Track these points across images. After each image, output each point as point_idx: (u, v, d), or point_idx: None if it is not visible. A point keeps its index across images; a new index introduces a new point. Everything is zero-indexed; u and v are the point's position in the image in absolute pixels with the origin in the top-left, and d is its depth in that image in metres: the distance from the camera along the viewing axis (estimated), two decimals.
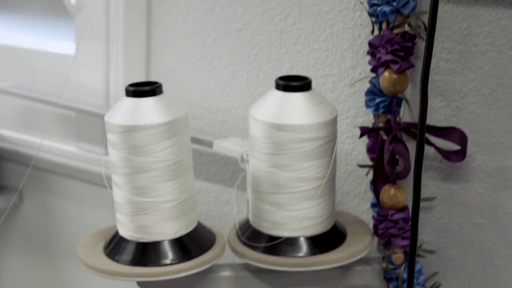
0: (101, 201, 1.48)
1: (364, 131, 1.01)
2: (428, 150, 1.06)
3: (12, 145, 1.56)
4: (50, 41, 1.52)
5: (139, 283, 1.02)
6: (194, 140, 1.19)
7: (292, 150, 0.97)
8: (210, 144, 1.18)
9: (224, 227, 1.29)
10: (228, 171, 1.29)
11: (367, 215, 1.17)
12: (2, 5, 1.51)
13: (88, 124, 1.41)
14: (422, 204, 1.10)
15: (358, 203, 1.18)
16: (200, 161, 1.31)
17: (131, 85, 0.98)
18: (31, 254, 1.66)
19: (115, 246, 1.02)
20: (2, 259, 1.72)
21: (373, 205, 1.09)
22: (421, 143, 0.93)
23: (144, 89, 0.97)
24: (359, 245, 1.02)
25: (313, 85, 1.14)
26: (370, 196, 1.16)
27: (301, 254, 1.00)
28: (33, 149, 1.51)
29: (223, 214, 1.32)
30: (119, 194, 0.99)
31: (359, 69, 1.12)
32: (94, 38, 1.34)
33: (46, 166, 1.51)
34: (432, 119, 1.07)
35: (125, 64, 1.32)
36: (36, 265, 1.66)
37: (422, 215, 1.11)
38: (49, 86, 1.46)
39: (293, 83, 0.98)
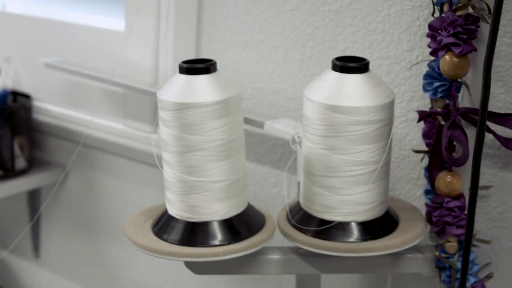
0: (146, 179, 1.47)
1: (422, 115, 0.98)
2: (486, 137, 1.02)
3: (58, 121, 1.55)
4: (100, 16, 1.51)
5: (186, 263, 1.01)
6: (245, 120, 1.17)
7: (347, 133, 0.94)
8: (261, 125, 1.16)
9: (271, 209, 1.28)
10: (277, 153, 1.27)
11: (419, 202, 1.14)
12: None
13: (136, 102, 1.40)
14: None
15: (410, 189, 1.15)
16: (249, 142, 1.30)
17: (184, 62, 0.97)
18: (74, 229, 1.66)
19: (163, 224, 1.00)
20: (45, 234, 1.73)
21: (427, 192, 1.06)
22: (482, 130, 0.90)
23: (198, 67, 0.95)
24: (412, 233, 1.00)
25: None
26: (423, 182, 1.13)
27: (352, 240, 0.98)
28: (80, 125, 1.51)
29: (271, 196, 1.31)
30: (170, 173, 0.98)
31: (416, 52, 1.09)
32: (144, 15, 1.32)
33: (92, 142, 1.51)
34: (491, 106, 1.03)
35: (175, 42, 1.30)
36: (79, 241, 1.66)
37: (476, 204, 1.08)
38: (97, 62, 1.45)
39: (350, 64, 0.95)
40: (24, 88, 1.61)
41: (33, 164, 1.59)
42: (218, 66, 1.28)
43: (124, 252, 1.55)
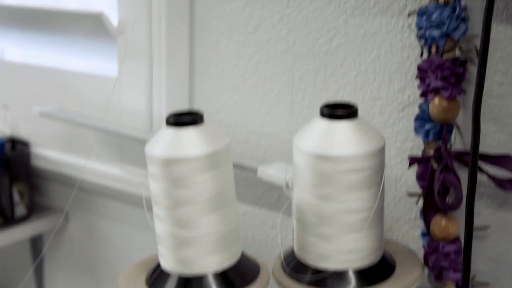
0: (146, 224, 1.45)
1: (413, 161, 0.96)
2: (481, 176, 1.01)
3: (57, 166, 1.55)
4: (93, 62, 1.52)
5: None
6: (238, 166, 1.17)
7: (338, 182, 0.93)
8: (254, 171, 1.15)
9: (270, 252, 1.27)
10: (274, 195, 1.26)
11: (418, 243, 1.13)
12: (44, 27, 1.50)
13: (132, 146, 1.39)
14: (475, 233, 1.05)
15: (408, 230, 1.14)
16: (245, 184, 1.29)
17: (172, 114, 0.96)
18: (76, 275, 1.66)
19: (156, 279, 0.99)
20: (49, 280, 1.72)
21: (423, 234, 1.05)
22: (474, 175, 0.88)
23: (184, 120, 0.94)
24: (409, 278, 0.98)
25: (361, 108, 1.11)
26: (420, 223, 1.12)
27: None
28: (78, 170, 1.50)
29: (269, 239, 1.29)
30: (161, 227, 0.97)
31: (408, 91, 1.08)
32: (136, 59, 1.32)
33: (91, 187, 1.50)
34: (485, 145, 1.02)
35: (168, 87, 1.30)
36: (81, 285, 1.66)
37: (475, 244, 1.06)
38: (92, 108, 1.45)
39: (339, 111, 0.94)
40: (22, 134, 1.61)
41: (33, 210, 1.59)
42: (212, 110, 1.28)
43: None
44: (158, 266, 1.01)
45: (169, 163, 0.92)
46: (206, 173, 0.93)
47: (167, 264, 0.99)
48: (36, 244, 1.64)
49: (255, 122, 1.24)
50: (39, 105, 1.49)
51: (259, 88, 1.22)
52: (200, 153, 0.92)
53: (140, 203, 1.42)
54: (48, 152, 1.57)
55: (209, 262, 0.96)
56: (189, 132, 0.94)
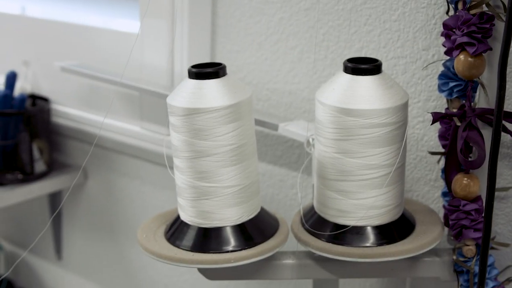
0: (164, 181, 1.46)
1: (437, 117, 0.95)
2: (504, 137, 1.00)
3: (77, 123, 1.55)
4: (115, 19, 1.51)
5: (199, 269, 1.00)
6: (259, 123, 1.16)
7: (360, 136, 0.93)
8: (275, 127, 1.15)
9: (289, 211, 1.27)
10: (294, 154, 1.26)
11: (438, 204, 1.12)
12: None
13: (152, 104, 1.39)
14: (496, 194, 1.05)
15: (429, 190, 1.13)
16: (265, 143, 1.28)
17: (193, 66, 0.95)
18: (94, 232, 1.66)
19: (176, 230, 1.00)
20: (67, 236, 1.73)
21: (444, 194, 1.04)
22: (498, 131, 0.87)
23: (207, 71, 0.94)
24: (429, 236, 0.98)
25: (384, 67, 1.10)
26: (441, 183, 1.11)
27: (367, 244, 0.96)
28: (98, 128, 1.50)
29: (288, 198, 1.29)
30: (181, 178, 0.97)
31: (432, 50, 1.07)
32: (158, 17, 1.31)
33: (110, 145, 1.50)
34: (510, 105, 1.01)
35: (190, 44, 1.29)
36: (99, 243, 1.67)
37: (496, 205, 1.05)
38: (114, 65, 1.45)
39: (362, 66, 0.93)
40: (42, 91, 1.61)
41: (53, 167, 1.59)
42: (233, 67, 1.28)
43: (143, 254, 1.55)
44: (177, 218, 1.01)
45: (191, 113, 0.92)
46: (228, 125, 0.93)
47: (186, 216, 0.99)
48: (55, 201, 1.65)
49: (277, 80, 1.23)
50: (60, 62, 1.48)
51: (282, 45, 1.21)
52: (222, 104, 0.92)
53: (159, 161, 1.43)
54: (68, 110, 1.57)
55: (228, 215, 0.96)
56: (211, 83, 0.93)
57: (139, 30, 1.37)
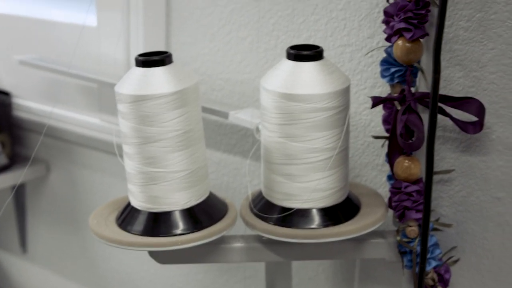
0: (125, 172, 1.48)
1: (376, 101, 0.98)
2: (447, 121, 1.03)
3: (38, 117, 1.57)
4: (73, 12, 1.53)
5: (150, 253, 1.02)
6: (210, 111, 1.19)
7: (302, 120, 0.95)
8: (225, 115, 1.17)
9: (244, 198, 1.29)
10: (248, 142, 1.28)
11: (385, 188, 1.15)
12: None
13: (111, 96, 1.40)
14: (440, 177, 1.08)
15: (376, 175, 1.16)
16: (220, 132, 1.31)
17: (141, 55, 0.98)
18: (58, 224, 1.68)
19: (127, 216, 1.02)
20: (32, 229, 1.74)
21: (389, 178, 1.07)
22: (434, 113, 0.90)
23: (153, 59, 0.96)
24: (372, 218, 1.01)
25: (331, 55, 1.13)
26: (388, 168, 1.13)
27: (313, 226, 0.99)
28: (59, 121, 1.52)
29: (243, 186, 1.32)
30: (130, 165, 0.99)
31: (377, 38, 1.10)
32: (114, 10, 1.33)
33: (71, 137, 1.52)
34: (451, 90, 1.04)
35: (145, 35, 1.31)
36: (63, 235, 1.68)
37: (440, 188, 1.09)
38: (72, 58, 1.46)
39: (304, 52, 0.96)
40: (3, 85, 1.62)
41: (15, 160, 1.61)
42: (188, 58, 1.30)
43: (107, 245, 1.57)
44: (128, 204, 1.03)
45: (137, 100, 0.95)
46: (173, 111, 0.95)
47: (136, 201, 1.01)
48: (18, 194, 1.66)
49: (229, 70, 1.26)
50: (20, 55, 1.50)
51: (234, 35, 1.24)
52: (167, 91, 0.94)
53: (119, 153, 1.44)
54: (29, 103, 1.59)
55: (177, 199, 0.99)
56: (157, 71, 0.96)
57: (97, 23, 1.39)
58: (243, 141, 1.29)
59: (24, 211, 1.71)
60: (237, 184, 1.32)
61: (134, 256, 1.53)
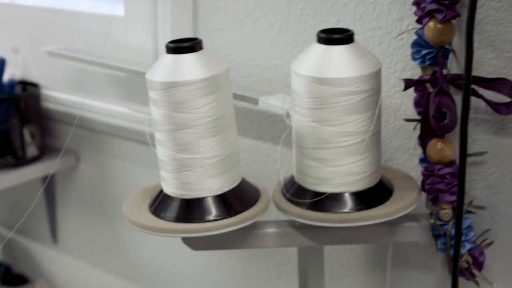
0: (154, 161, 1.48)
1: (408, 83, 0.98)
2: (479, 102, 1.02)
3: (67, 107, 1.58)
4: (100, 3, 1.53)
5: (183, 239, 1.03)
6: (240, 98, 1.19)
7: (334, 104, 0.95)
8: (255, 102, 1.17)
9: (274, 185, 1.29)
10: (278, 128, 1.28)
11: (417, 171, 1.14)
12: None
13: (139, 85, 1.41)
14: (473, 159, 1.07)
15: (408, 159, 1.15)
16: (249, 119, 1.31)
17: (171, 41, 0.98)
18: (88, 214, 1.69)
19: (160, 203, 1.02)
20: (62, 219, 1.76)
21: (422, 161, 1.06)
22: (467, 94, 0.90)
23: (183, 45, 0.96)
24: (405, 201, 1.00)
25: (360, 38, 1.12)
26: (420, 151, 1.13)
27: (346, 210, 0.99)
28: (87, 111, 1.53)
29: (274, 172, 1.32)
30: (162, 152, 1.00)
31: (407, 21, 1.09)
32: None
33: (100, 127, 1.53)
34: (483, 71, 1.03)
35: (172, 24, 1.31)
36: (93, 224, 1.69)
37: (473, 170, 1.08)
38: (100, 48, 1.47)
39: (335, 36, 0.96)
40: (32, 77, 1.64)
41: (45, 151, 1.62)
42: (215, 46, 1.30)
43: (136, 233, 1.58)
44: (161, 191, 1.04)
45: (169, 87, 0.95)
46: (205, 97, 0.95)
47: (168, 188, 1.01)
48: (48, 185, 1.68)
49: (258, 56, 1.26)
50: (48, 46, 1.51)
51: (262, 21, 1.23)
52: (198, 77, 0.94)
53: (148, 141, 1.45)
54: (58, 94, 1.60)
55: (209, 185, 0.99)
56: (188, 58, 0.96)
57: (125, 13, 1.39)
58: (273, 128, 1.29)
59: (54, 201, 1.73)
60: (267, 171, 1.32)
61: (165, 244, 1.54)
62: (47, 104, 1.61)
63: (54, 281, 1.87)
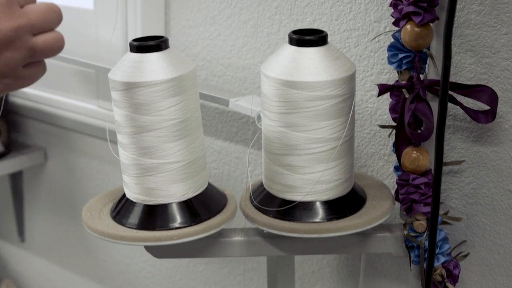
0: None
1: (383, 88, 0.93)
2: (458, 110, 0.99)
3: (35, 103, 1.53)
4: None
5: (146, 247, 0.98)
6: (210, 99, 1.14)
7: (304, 109, 0.90)
8: (226, 103, 1.12)
9: (245, 188, 1.25)
10: (249, 130, 1.24)
11: (392, 179, 1.10)
12: None
13: (107, 82, 1.36)
14: (449, 168, 1.03)
15: (383, 165, 1.11)
16: (221, 120, 1.26)
17: (135, 39, 0.93)
18: (56, 212, 1.65)
19: (121, 208, 0.98)
20: (29, 217, 1.71)
21: (396, 169, 1.02)
22: (444, 101, 0.85)
23: (148, 44, 0.91)
24: (378, 211, 0.96)
25: (336, 39, 1.08)
26: (395, 158, 1.09)
27: (316, 220, 0.94)
28: (56, 107, 1.48)
29: (245, 175, 1.27)
30: (125, 155, 0.95)
31: (384, 22, 1.05)
32: None
33: (69, 124, 1.48)
34: (462, 77, 0.99)
35: (143, 19, 1.26)
36: (61, 223, 1.65)
37: (449, 179, 1.04)
38: (69, 43, 1.42)
39: (307, 37, 0.91)
40: None
41: (12, 147, 1.57)
42: (187, 43, 1.25)
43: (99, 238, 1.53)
44: (123, 196, 0.99)
45: (131, 87, 0.90)
46: (169, 99, 0.91)
47: (131, 193, 0.97)
48: (15, 182, 1.63)
49: (230, 55, 1.21)
50: None
51: (235, 19, 1.19)
52: (163, 78, 0.90)
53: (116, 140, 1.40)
54: (26, 89, 1.55)
55: (173, 191, 0.95)
56: (152, 57, 0.91)
57: (94, 6, 1.34)
58: (244, 129, 1.24)
59: (21, 199, 1.68)
60: (239, 173, 1.28)
61: (134, 246, 1.49)
62: (15, 99, 1.56)
63: (20, 281, 1.82)
